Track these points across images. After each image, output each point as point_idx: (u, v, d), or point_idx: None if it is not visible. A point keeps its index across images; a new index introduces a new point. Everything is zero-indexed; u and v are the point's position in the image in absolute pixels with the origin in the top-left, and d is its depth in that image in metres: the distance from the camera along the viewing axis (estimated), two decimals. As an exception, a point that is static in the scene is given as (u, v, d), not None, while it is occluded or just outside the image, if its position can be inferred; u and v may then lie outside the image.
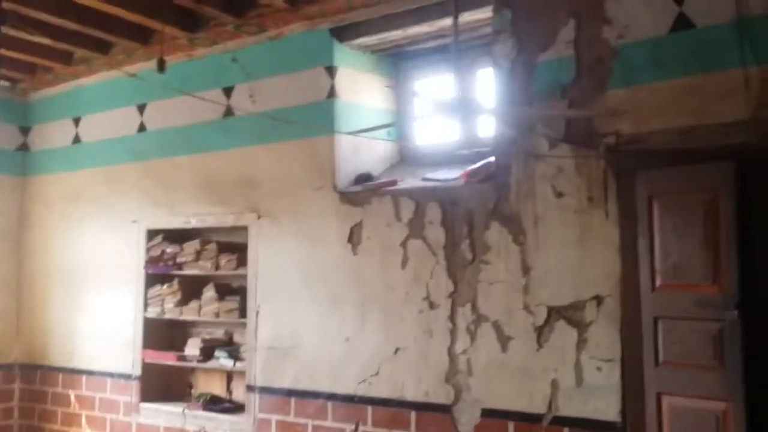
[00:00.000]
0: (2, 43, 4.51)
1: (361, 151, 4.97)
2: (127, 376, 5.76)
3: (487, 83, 4.70)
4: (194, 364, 5.46)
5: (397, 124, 5.17)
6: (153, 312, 5.67)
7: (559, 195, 3.96)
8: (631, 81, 3.76)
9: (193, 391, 5.70)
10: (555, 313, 3.92)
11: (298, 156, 4.98)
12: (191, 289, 5.53)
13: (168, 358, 5.57)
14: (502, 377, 4.06)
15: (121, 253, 5.90)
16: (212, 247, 5.42)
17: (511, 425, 4.03)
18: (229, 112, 5.32)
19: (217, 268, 5.37)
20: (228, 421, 5.18)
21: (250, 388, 5.09)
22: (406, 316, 4.44)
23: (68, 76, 6.10)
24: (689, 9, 3.62)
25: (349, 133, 4.59)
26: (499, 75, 4.24)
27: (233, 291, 5.39)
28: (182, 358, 5.48)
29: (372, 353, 4.56)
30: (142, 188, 5.84)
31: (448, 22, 4.53)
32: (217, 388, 5.57)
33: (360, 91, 5.03)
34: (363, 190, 4.74)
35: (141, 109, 5.90)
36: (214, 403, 5.35)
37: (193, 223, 5.52)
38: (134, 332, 5.75)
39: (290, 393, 4.89)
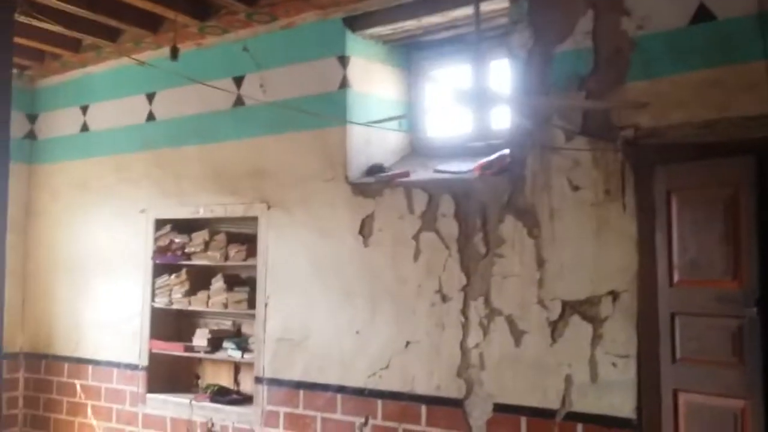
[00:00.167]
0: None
1: (373, 142, 4.92)
2: (134, 366, 5.73)
3: (502, 75, 4.66)
4: (202, 354, 5.43)
5: (410, 116, 5.12)
6: (161, 302, 5.64)
7: (576, 188, 3.91)
8: (651, 73, 3.70)
9: (200, 382, 5.68)
10: (570, 307, 3.88)
11: (309, 147, 4.93)
12: (199, 280, 5.49)
13: (175, 349, 5.53)
14: (515, 372, 4.03)
15: (129, 243, 5.86)
16: (221, 237, 5.39)
17: (523, 420, 3.99)
18: (239, 101, 5.27)
19: (226, 258, 5.33)
20: (235, 412, 5.15)
21: (258, 380, 5.05)
22: (418, 309, 4.40)
23: (76, 63, 6.04)
24: (710, 1, 3.56)
25: (362, 124, 4.54)
26: (515, 66, 4.19)
27: (242, 282, 5.35)
28: (190, 349, 5.44)
29: (383, 346, 4.52)
30: (151, 178, 5.80)
31: (461, 12, 4.50)
32: (225, 379, 5.53)
33: (372, 81, 4.98)
34: (375, 182, 4.69)
35: (150, 97, 5.85)
36: (221, 395, 5.31)
37: (202, 213, 5.48)
38: (141, 322, 5.71)
39: (299, 385, 4.85)
